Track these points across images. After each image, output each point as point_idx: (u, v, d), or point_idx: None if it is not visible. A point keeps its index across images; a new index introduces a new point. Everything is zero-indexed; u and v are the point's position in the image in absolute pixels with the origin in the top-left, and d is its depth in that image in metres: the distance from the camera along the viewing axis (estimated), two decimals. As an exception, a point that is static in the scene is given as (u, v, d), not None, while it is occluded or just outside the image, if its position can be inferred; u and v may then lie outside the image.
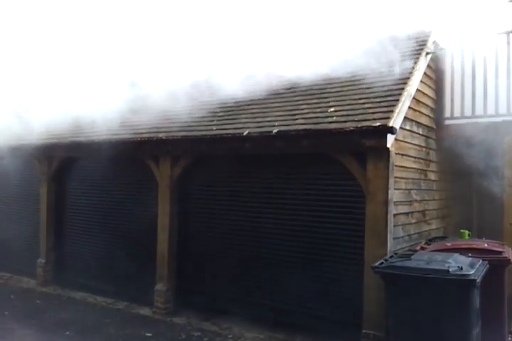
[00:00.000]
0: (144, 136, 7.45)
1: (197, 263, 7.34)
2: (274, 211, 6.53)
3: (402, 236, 6.05)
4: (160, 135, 7.23)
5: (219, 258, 7.08)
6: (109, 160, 8.15)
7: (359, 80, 6.44)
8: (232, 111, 7.11)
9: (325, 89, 6.63)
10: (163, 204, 7.46)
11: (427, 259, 4.63)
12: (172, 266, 7.42)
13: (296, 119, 6.13)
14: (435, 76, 7.30)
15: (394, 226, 5.65)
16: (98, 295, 8.25)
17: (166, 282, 7.36)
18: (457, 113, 7.26)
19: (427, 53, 6.53)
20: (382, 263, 4.81)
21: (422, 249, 5.60)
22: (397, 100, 5.61)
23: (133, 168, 8.07)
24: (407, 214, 6.20)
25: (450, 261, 4.48)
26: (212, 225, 7.19)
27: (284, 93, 6.97)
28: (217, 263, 7.09)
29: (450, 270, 4.29)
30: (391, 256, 5.12)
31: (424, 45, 6.55)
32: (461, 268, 4.32)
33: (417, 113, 6.58)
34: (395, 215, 5.69)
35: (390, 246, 5.52)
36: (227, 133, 6.53)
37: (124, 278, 8.06)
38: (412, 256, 4.83)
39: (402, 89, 5.78)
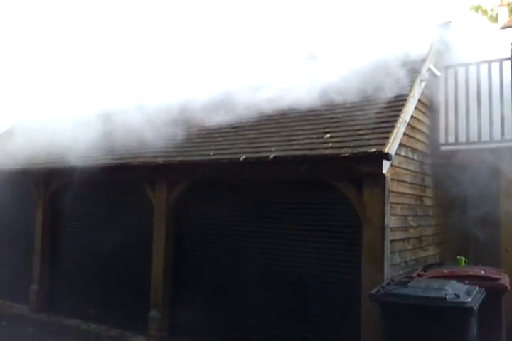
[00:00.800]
0: (141, 160, 7.47)
1: (193, 289, 7.25)
2: (273, 235, 6.48)
3: (399, 263, 6.01)
4: (157, 159, 7.24)
5: (216, 285, 6.99)
6: (105, 186, 8.16)
7: (354, 107, 6.51)
8: (229, 136, 7.14)
9: (320, 115, 6.69)
10: (158, 230, 7.41)
11: (423, 287, 4.60)
12: (167, 293, 7.32)
13: (293, 145, 6.16)
14: (429, 103, 7.37)
15: (391, 252, 5.63)
16: (92, 323, 8.13)
17: (161, 309, 7.25)
18: (452, 139, 7.32)
19: (422, 80, 6.60)
20: (378, 290, 4.77)
21: (419, 275, 5.57)
22: (392, 127, 5.65)
23: (129, 193, 8.04)
24: (403, 240, 6.18)
25: (447, 288, 4.45)
26: (210, 251, 7.12)
27: (279, 118, 7.02)
28: (214, 290, 7.00)
29: (447, 297, 4.26)
30: (388, 283, 5.09)
31: (419, 72, 6.62)
32: (458, 296, 4.29)
33: (412, 139, 6.63)
34: (391, 241, 5.67)
35: (387, 272, 5.47)
36: (225, 158, 6.55)
37: (118, 305, 7.95)
38: (409, 284, 4.80)
39: (397, 116, 5.83)
